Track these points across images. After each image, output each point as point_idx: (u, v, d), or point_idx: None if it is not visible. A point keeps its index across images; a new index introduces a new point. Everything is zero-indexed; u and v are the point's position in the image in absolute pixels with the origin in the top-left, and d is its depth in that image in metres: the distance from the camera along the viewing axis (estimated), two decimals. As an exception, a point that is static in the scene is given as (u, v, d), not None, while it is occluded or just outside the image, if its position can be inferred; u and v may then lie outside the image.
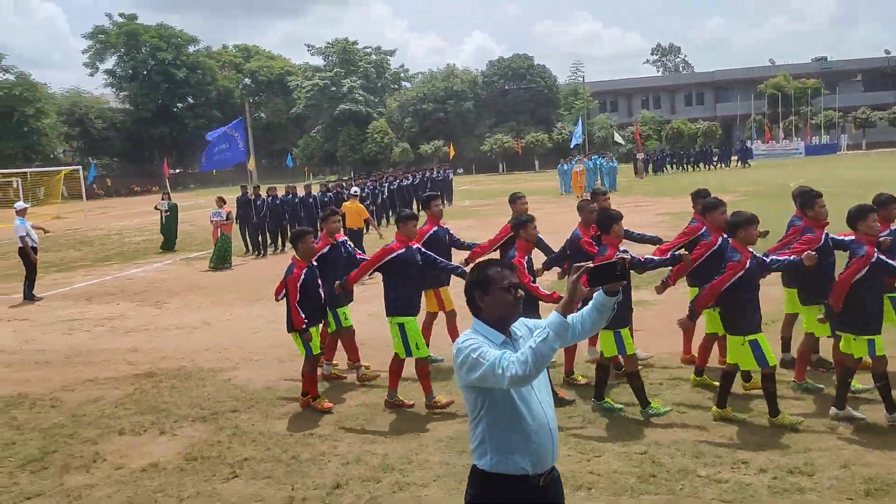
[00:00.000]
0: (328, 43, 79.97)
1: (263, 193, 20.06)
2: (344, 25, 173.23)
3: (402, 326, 7.05)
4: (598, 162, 36.27)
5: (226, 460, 6.18)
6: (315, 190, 21.21)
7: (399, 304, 7.13)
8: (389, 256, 7.17)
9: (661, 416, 6.46)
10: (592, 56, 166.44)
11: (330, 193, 21.00)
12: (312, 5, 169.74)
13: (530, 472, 3.06)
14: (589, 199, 8.39)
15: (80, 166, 52.82)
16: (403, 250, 7.19)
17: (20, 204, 15.94)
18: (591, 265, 2.98)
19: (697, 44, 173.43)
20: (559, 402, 6.60)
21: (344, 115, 73.67)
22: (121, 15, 75.83)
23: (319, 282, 7.55)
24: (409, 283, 7.23)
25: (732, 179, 37.78)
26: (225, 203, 18.41)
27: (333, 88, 74.50)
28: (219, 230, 17.79)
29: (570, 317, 2.92)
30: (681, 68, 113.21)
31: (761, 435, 6.06)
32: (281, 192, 20.56)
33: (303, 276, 7.28)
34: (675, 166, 51.66)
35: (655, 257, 7.09)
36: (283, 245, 20.26)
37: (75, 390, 8.51)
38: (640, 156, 46.64)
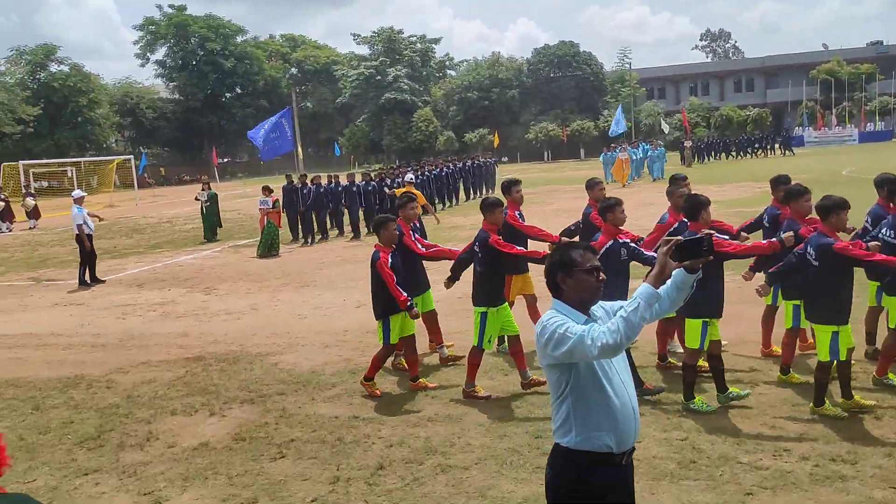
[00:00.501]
0: (373, 32, 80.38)
1: (309, 182, 20.33)
2: (389, 14, 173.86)
3: (484, 316, 7.04)
4: (644, 150, 35.73)
5: (273, 441, 6.36)
6: (358, 179, 21.39)
7: (492, 294, 7.11)
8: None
9: (704, 412, 6.32)
10: (640, 42, 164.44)
11: (373, 182, 21.17)
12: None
13: (615, 449, 3.10)
14: (680, 181, 8.13)
15: (132, 156, 54.05)
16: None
17: (77, 192, 16.42)
18: (681, 239, 3.03)
19: (748, 29, 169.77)
20: (644, 392, 6.56)
21: (389, 103, 74.00)
22: (170, 6, 77.09)
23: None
24: (499, 272, 7.19)
25: (783, 167, 37.06)
26: (271, 192, 18.71)
27: (379, 77, 74.84)
28: (265, 218, 18.09)
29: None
30: (731, 54, 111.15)
31: (804, 423, 6.03)
32: (324, 181, 20.81)
33: (389, 261, 7.26)
34: (721, 154, 50.78)
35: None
36: (326, 233, 20.54)
37: (129, 372, 8.80)
38: (688, 143, 45.68)
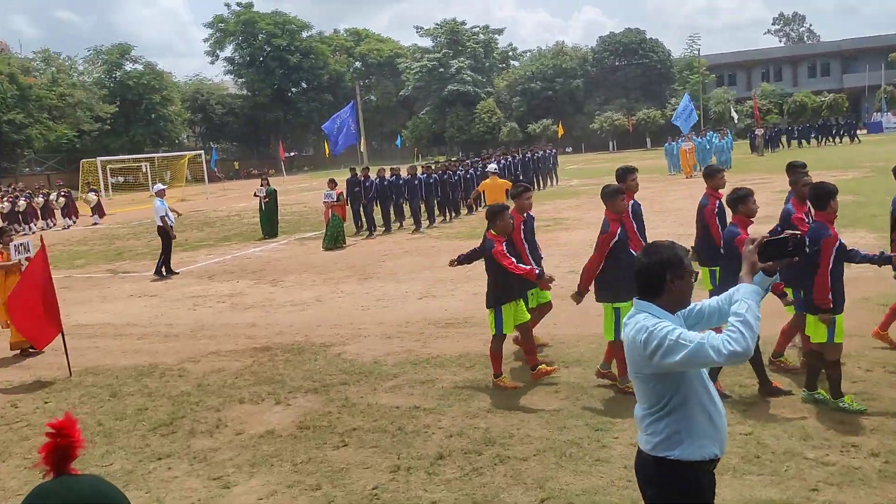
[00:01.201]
0: (436, 24, 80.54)
1: (372, 175, 20.58)
2: (453, 5, 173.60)
3: (618, 311, 6.81)
4: (711, 139, 34.56)
5: (336, 429, 6.52)
6: (419, 171, 21.52)
7: (620, 288, 6.81)
8: (615, 241, 6.85)
9: (855, 412, 5.99)
10: (709, 27, 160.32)
11: (435, 175, 21.28)
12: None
13: (719, 455, 3.06)
14: (798, 168, 7.74)
15: (202, 151, 55.50)
16: (620, 229, 6.90)
17: (159, 186, 17.14)
18: (766, 237, 3.02)
19: (823, 11, 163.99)
20: (773, 391, 6.52)
21: (452, 95, 74.12)
22: (238, 4, 78.68)
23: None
24: (625, 264, 6.71)
25: (856, 154, 35.74)
26: (336, 185, 19.01)
27: (441, 69, 75.01)
28: (330, 211, 18.38)
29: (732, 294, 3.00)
30: (805, 38, 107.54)
31: (874, 418, 5.87)
32: (387, 174, 21.01)
33: (505, 249, 7.19)
34: (794, 142, 49.16)
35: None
36: (390, 225, 20.77)
37: (200, 361, 9.11)
38: (759, 131, 43.91)
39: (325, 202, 18.80)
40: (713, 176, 7.84)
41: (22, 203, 28.99)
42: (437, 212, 21.74)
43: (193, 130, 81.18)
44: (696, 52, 74.23)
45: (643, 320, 2.96)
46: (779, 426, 5.86)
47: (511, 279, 7.24)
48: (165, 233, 15.76)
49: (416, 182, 20.51)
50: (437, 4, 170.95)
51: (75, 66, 63.36)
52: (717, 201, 7.51)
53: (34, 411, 7.69)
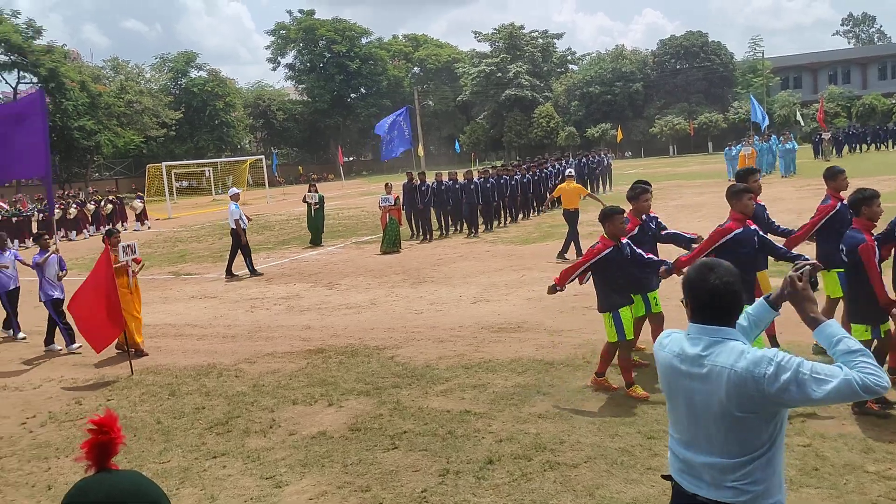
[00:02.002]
0: (495, 29, 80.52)
1: (429, 179, 20.66)
2: (511, 10, 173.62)
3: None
4: (774, 143, 33.55)
5: (386, 432, 6.55)
6: (475, 176, 21.50)
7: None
8: (728, 237, 6.51)
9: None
10: (774, 29, 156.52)
11: (491, 179, 21.25)
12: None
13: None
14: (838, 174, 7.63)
15: (263, 156, 56.56)
16: (741, 230, 6.53)
17: (234, 190, 17.70)
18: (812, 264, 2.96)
19: (894, 12, 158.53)
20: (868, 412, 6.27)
21: (509, 100, 74.02)
22: (300, 11, 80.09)
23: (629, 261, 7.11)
24: (747, 267, 6.32)
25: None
26: (392, 189, 19.16)
27: (499, 74, 74.96)
28: (388, 215, 18.52)
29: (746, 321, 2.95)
30: (875, 39, 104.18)
31: (942, 434, 5.64)
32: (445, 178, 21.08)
33: (605, 253, 6.88)
34: (863, 146, 47.60)
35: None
36: (445, 230, 20.83)
37: (256, 362, 9.27)
38: (826, 135, 42.04)
39: (382, 206, 18.95)
40: (835, 177, 7.65)
41: (73, 210, 29.23)
42: (494, 216, 21.70)
43: (255, 136, 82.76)
44: (760, 54, 72.58)
45: (754, 351, 2.67)
46: (839, 439, 5.68)
47: (625, 280, 7.06)
48: (236, 236, 16.16)
49: (472, 187, 20.51)
50: (495, 10, 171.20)
51: (143, 73, 65.26)
52: (839, 203, 7.33)
53: (97, 408, 7.93)
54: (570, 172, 16.17)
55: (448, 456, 5.95)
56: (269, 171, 53.17)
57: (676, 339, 2.89)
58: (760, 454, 2.65)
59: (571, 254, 14.92)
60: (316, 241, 20.69)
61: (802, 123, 53.20)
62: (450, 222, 21.31)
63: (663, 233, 8.05)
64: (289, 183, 67.43)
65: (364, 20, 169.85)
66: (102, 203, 31.44)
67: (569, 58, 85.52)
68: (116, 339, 9.93)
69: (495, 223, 21.73)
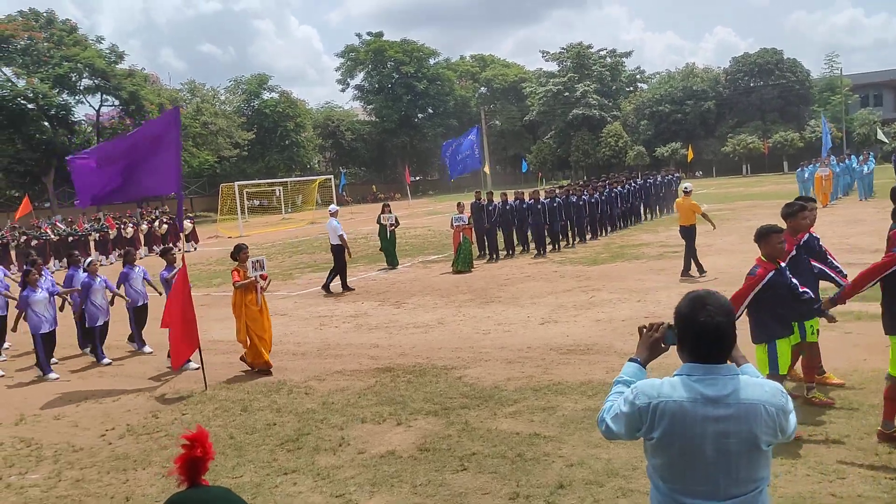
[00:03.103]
0: (562, 48, 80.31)
1: (497, 199, 20.65)
2: (579, 29, 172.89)
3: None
4: (851, 164, 31.88)
5: (455, 453, 6.52)
6: (542, 195, 21.38)
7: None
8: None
9: None
10: (852, 46, 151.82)
11: (558, 199, 21.12)
12: (547, 10, 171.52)
13: None
14: None
15: (332, 175, 57.52)
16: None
17: (334, 207, 18.30)
18: (671, 323, 2.91)
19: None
20: None
21: (577, 119, 73.60)
22: (369, 33, 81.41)
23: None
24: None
25: None
26: (464, 208, 19.23)
27: (567, 93, 74.65)
28: (460, 234, 18.56)
29: None
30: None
31: None
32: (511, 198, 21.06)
33: (767, 278, 6.27)
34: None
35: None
36: (512, 250, 20.76)
37: (325, 380, 9.37)
38: None
39: (455, 225, 18.98)
40: None
41: (130, 230, 29.79)
42: (561, 237, 21.55)
43: (324, 155, 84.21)
44: (839, 70, 70.51)
45: (766, 381, 2.76)
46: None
47: (785, 308, 6.42)
48: (339, 251, 16.58)
49: (540, 206, 20.41)
50: (562, 29, 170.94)
51: (217, 95, 67.28)
52: None
53: (172, 422, 8.13)
54: (686, 187, 15.65)
55: (518, 479, 5.88)
56: (336, 191, 54.01)
57: (674, 384, 2.74)
58: (766, 484, 2.72)
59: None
60: (393, 263, 20.01)
61: (886, 141, 51.21)
62: (516, 242, 21.24)
63: (814, 262, 7.25)
64: (356, 202, 68.35)
65: (431, 41, 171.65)
66: (157, 224, 31.64)
67: (638, 76, 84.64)
68: (250, 360, 10.12)
69: (563, 243, 21.55)
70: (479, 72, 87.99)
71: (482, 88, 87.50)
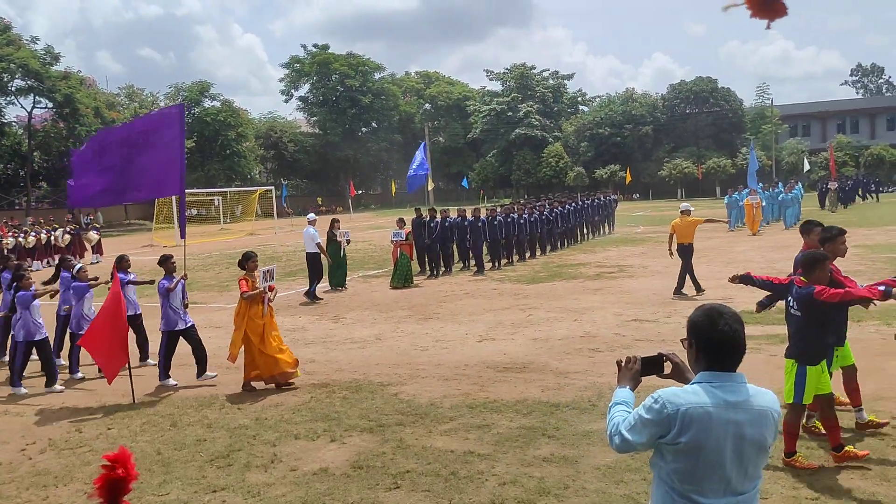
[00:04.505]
0: (506, 69, 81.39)
1: (438, 216, 20.72)
2: (523, 49, 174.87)
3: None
4: (779, 192, 32.69)
5: (389, 471, 6.48)
6: (483, 213, 21.53)
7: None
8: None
9: None
10: (783, 77, 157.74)
11: (499, 217, 21.30)
12: (493, 29, 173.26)
13: None
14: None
15: (273, 186, 56.84)
16: None
17: (312, 215, 18.51)
18: (642, 357, 3.16)
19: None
20: None
21: (519, 139, 74.51)
22: (315, 45, 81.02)
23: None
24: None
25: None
26: (405, 224, 19.22)
27: (510, 113, 75.59)
28: (399, 250, 18.53)
29: None
30: (883, 90, 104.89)
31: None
32: (453, 215, 21.16)
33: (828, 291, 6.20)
34: (870, 195, 47.59)
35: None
36: (450, 267, 20.81)
37: (259, 395, 9.21)
38: (833, 185, 39.76)
39: (393, 241, 18.95)
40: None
41: (31, 239, 27.98)
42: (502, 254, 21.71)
43: (265, 166, 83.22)
44: (769, 101, 73.07)
45: (767, 391, 2.97)
46: (843, 496, 5.58)
47: (828, 333, 6.28)
48: (315, 258, 17.20)
49: (480, 224, 20.55)
50: (507, 49, 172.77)
51: (157, 101, 65.91)
52: None
53: (97, 437, 7.88)
54: (685, 207, 15.74)
55: (451, 497, 5.87)
56: (277, 202, 53.36)
57: (697, 391, 2.88)
58: (761, 480, 2.98)
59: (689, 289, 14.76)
60: (341, 283, 18.49)
61: (808, 168, 53.09)
62: (457, 259, 21.32)
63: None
64: (297, 214, 67.68)
65: (377, 56, 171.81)
66: (60, 234, 29.30)
67: (579, 99, 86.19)
68: (251, 375, 9.46)
69: (503, 261, 21.72)
70: (424, 88, 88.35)
71: (427, 105, 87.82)
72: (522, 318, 13.38)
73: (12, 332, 10.74)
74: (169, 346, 10.19)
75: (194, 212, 55.28)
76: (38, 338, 10.07)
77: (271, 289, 9.85)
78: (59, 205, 55.97)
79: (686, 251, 14.96)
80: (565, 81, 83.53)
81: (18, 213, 45.66)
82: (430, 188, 51.32)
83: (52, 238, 28.77)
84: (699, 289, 14.72)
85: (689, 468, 2.85)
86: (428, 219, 20.48)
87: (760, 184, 33.51)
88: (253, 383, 9.52)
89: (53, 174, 59.46)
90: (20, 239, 27.80)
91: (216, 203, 53.40)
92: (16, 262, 12.31)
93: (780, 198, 31.78)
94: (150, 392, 9.62)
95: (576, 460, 6.51)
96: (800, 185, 33.72)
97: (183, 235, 11.98)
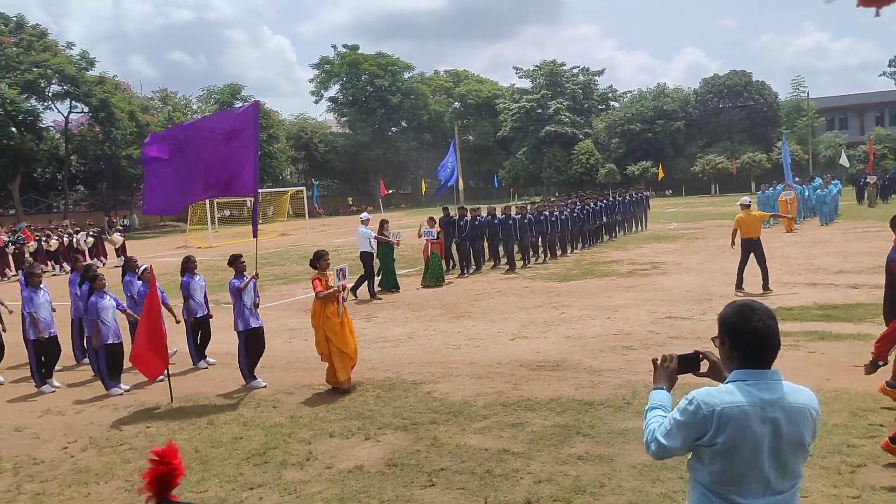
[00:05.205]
0: (535, 66, 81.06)
1: (468, 215, 20.71)
2: (552, 47, 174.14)
3: None
4: (815, 186, 31.88)
5: (423, 469, 6.50)
6: (513, 211, 21.46)
7: None
8: None
9: None
10: (818, 69, 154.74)
11: (529, 215, 21.23)
12: (520, 27, 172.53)
13: None
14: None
15: (304, 187, 57.25)
16: None
17: (365, 215, 18.87)
18: (679, 355, 3.11)
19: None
20: None
21: (549, 136, 74.19)
22: (344, 46, 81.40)
23: None
24: None
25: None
26: (436, 223, 19.25)
27: (539, 110, 75.28)
28: (430, 248, 18.56)
29: None
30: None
31: None
32: (484, 213, 21.13)
33: None
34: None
35: None
36: (481, 265, 20.77)
37: (293, 394, 9.30)
38: (872, 179, 38.54)
39: (425, 240, 18.99)
40: None
41: (53, 242, 28.23)
42: (531, 252, 21.65)
43: (297, 167, 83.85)
44: (805, 94, 71.89)
45: (805, 388, 2.92)
46: (893, 491, 5.48)
47: None
48: (368, 258, 17.37)
49: (511, 222, 20.51)
50: (535, 47, 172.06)
51: (190, 104, 66.74)
52: None
53: (136, 435, 8.01)
54: (745, 201, 15.49)
55: (486, 495, 5.87)
56: (308, 203, 53.74)
57: (731, 390, 2.84)
58: (801, 480, 2.93)
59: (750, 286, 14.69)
60: (394, 285, 17.99)
61: (847, 165, 52.14)
62: (488, 257, 21.31)
63: None
64: (329, 214, 68.08)
65: (405, 55, 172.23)
66: (83, 236, 29.27)
67: (610, 95, 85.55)
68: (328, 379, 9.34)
69: (534, 259, 21.65)
70: (453, 87, 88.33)
71: (456, 103, 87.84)
72: (555, 316, 13.33)
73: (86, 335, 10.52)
74: (248, 345, 10.03)
75: (227, 213, 55.93)
76: (111, 341, 10.02)
77: (344, 288, 9.59)
78: (97, 207, 56.97)
79: (754, 245, 14.58)
80: (595, 78, 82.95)
81: (56, 216, 46.43)
82: (460, 187, 51.35)
83: (75, 241, 28.64)
84: (740, 285, 14.54)
85: (727, 469, 2.81)
86: (457, 217, 20.48)
87: (796, 178, 32.66)
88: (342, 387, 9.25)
89: (90, 177, 60.56)
90: (42, 242, 28.32)
91: (248, 204, 53.88)
92: (85, 263, 12.36)
93: (806, 194, 30.60)
94: (189, 393, 9.74)
95: (611, 458, 6.48)
96: (837, 182, 32.46)
97: (255, 235, 11.78)
